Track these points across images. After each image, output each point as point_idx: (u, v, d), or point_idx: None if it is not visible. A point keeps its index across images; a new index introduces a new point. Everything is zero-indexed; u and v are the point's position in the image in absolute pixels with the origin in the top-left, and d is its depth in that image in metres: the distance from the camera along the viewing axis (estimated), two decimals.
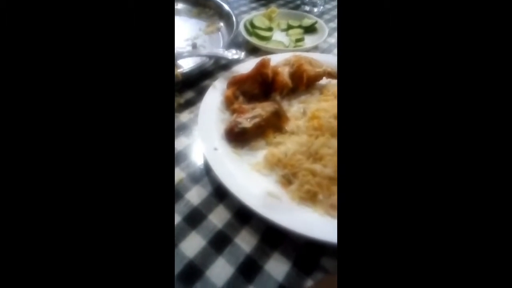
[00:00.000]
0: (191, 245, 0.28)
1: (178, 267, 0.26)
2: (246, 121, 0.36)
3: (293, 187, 0.31)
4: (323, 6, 0.75)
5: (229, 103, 0.41)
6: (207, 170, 0.35)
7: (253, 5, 0.78)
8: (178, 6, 0.72)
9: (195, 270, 0.26)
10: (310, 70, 0.44)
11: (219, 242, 0.28)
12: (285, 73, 0.43)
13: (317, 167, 0.32)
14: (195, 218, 0.30)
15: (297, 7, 0.78)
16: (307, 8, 0.75)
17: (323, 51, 0.59)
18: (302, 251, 0.28)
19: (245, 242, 0.28)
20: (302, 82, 0.44)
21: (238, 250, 0.28)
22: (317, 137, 0.35)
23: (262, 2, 0.79)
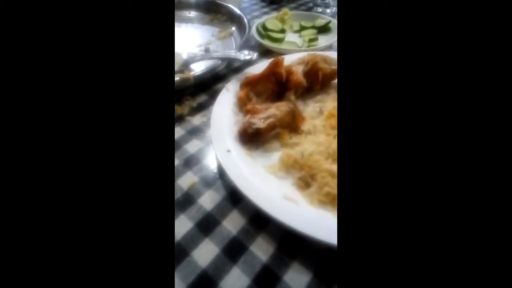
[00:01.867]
0: (204, 254, 0.26)
1: (190, 278, 0.25)
2: (259, 122, 0.34)
3: (312, 190, 0.30)
4: (336, 6, 0.74)
5: (242, 104, 0.40)
6: (221, 174, 0.34)
7: (265, 9, 0.78)
8: (191, 14, 0.73)
9: (208, 281, 0.25)
10: (325, 68, 0.42)
11: (234, 250, 0.27)
12: (299, 72, 0.41)
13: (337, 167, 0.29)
14: (208, 224, 0.29)
15: (309, 10, 0.77)
16: (319, 9, 0.74)
17: None
18: (323, 260, 0.26)
19: (261, 250, 0.27)
20: (317, 81, 0.42)
21: (254, 259, 0.26)
22: (335, 136, 0.33)
23: (274, 6, 0.79)
